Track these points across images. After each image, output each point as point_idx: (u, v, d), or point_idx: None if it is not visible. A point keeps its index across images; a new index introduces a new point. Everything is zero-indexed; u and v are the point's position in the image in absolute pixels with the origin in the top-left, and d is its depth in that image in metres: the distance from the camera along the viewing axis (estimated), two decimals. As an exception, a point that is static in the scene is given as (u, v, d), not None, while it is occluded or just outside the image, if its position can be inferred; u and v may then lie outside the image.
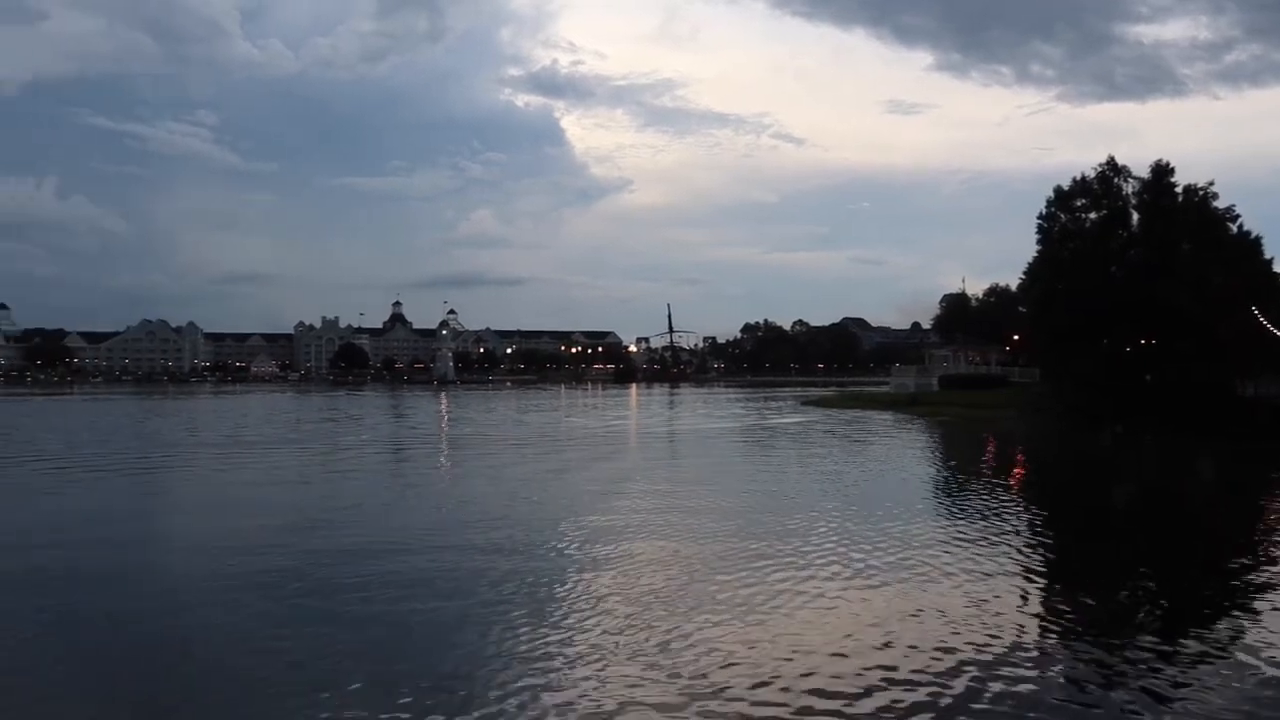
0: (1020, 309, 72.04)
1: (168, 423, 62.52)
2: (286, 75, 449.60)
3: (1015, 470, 32.98)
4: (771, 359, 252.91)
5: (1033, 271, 59.16)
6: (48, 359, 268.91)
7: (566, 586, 13.94)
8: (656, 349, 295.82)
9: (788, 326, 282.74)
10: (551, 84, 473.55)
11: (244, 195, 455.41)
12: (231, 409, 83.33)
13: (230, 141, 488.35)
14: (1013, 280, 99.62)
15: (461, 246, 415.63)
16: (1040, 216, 56.56)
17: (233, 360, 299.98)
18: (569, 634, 11.50)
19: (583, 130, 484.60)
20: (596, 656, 10.61)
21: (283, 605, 12.99)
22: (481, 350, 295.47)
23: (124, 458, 35.99)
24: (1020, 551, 16.66)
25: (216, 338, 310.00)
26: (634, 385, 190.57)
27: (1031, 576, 14.88)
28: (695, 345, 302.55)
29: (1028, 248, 58.38)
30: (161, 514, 23.46)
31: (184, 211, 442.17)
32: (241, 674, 10.27)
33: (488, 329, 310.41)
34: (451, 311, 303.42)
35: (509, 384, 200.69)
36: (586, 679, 9.88)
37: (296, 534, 18.50)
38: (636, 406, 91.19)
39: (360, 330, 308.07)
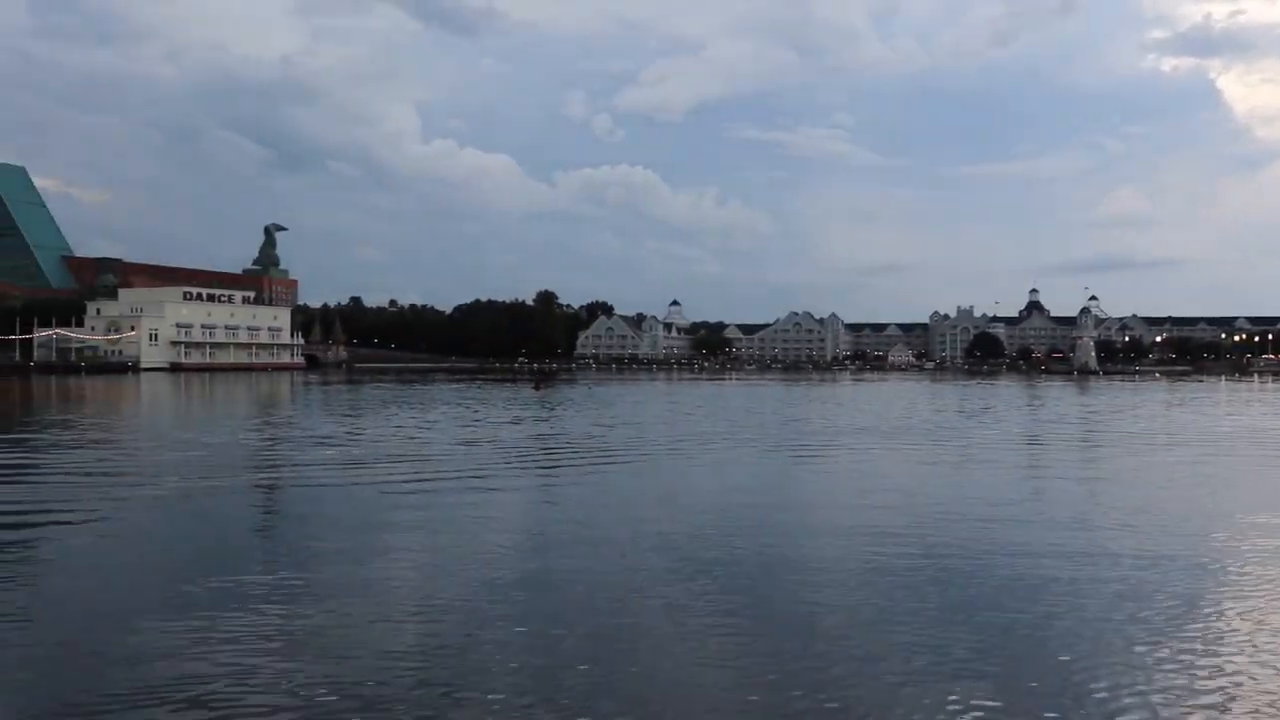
0: None
1: (820, 408, 66.61)
2: (917, 70, 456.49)
3: None
4: None
5: None
6: (711, 348, 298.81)
7: (1213, 608, 12.84)
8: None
9: None
10: (1205, 41, 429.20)
11: (880, 190, 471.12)
12: (871, 396, 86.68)
13: (867, 140, 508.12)
14: None
15: (1101, 228, 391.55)
16: None
17: (871, 349, 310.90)
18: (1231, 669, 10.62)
19: (1245, 89, 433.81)
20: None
21: (908, 592, 13.45)
22: (1126, 338, 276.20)
23: (782, 438, 39.33)
24: None
25: (855, 328, 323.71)
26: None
27: None
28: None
29: None
30: (810, 494, 25.23)
31: (825, 209, 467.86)
32: (861, 656, 10.87)
33: (1133, 316, 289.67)
34: (1093, 298, 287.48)
35: (1157, 375, 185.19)
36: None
37: (927, 528, 18.96)
38: (1317, 403, 79.57)
39: (995, 319, 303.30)
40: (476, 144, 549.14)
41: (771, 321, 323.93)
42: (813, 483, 27.57)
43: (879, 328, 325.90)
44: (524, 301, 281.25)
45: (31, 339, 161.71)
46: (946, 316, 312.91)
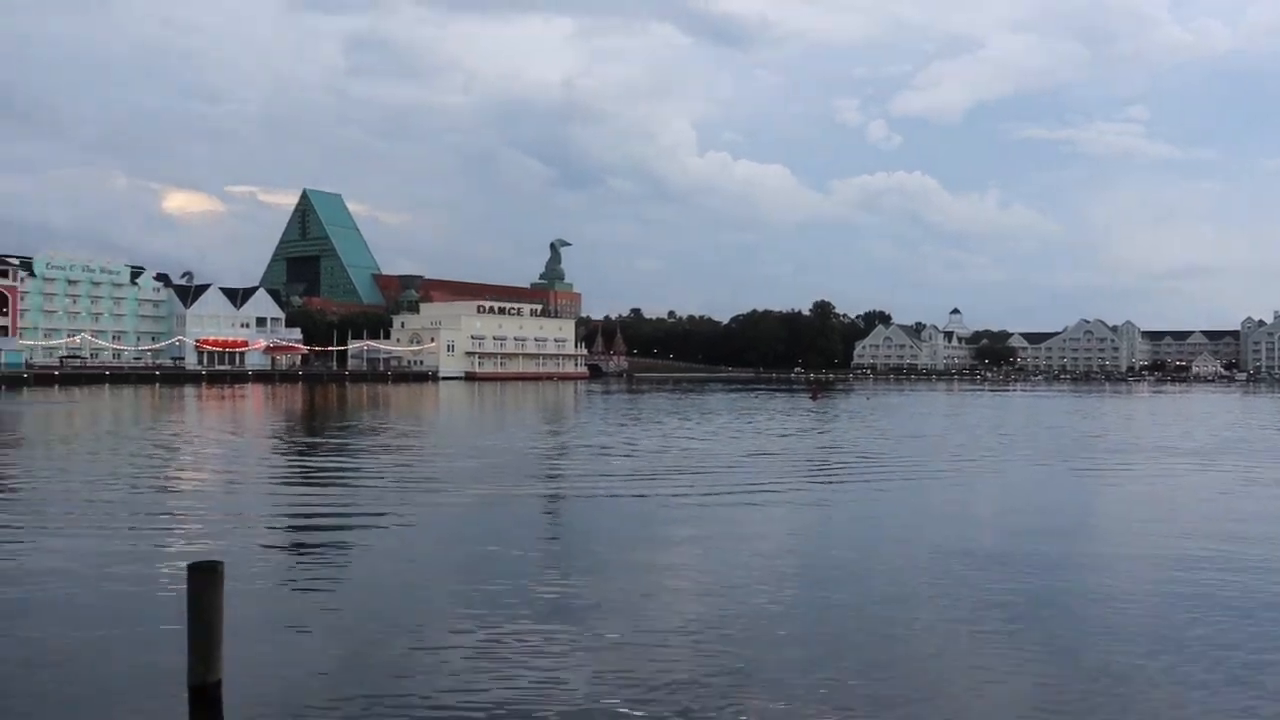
0: None
1: (1116, 422, 62.83)
2: (1222, 53, 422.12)
3: None
4: None
5: None
6: (994, 358, 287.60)
7: None
8: None
9: None
10: None
11: (1181, 186, 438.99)
12: (1173, 409, 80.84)
13: (1164, 132, 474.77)
14: None
15: None
16: None
17: (1171, 359, 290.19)
18: None
19: None
20: None
21: (1211, 628, 12.55)
22: None
23: (1075, 454, 37.42)
24: None
25: (1154, 336, 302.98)
26: None
27: None
28: None
29: None
30: (1105, 516, 23.87)
31: (1118, 209, 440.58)
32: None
33: None
34: None
35: None
36: None
37: (1238, 559, 17.60)
38: None
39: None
40: (751, 155, 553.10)
41: (1059, 330, 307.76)
42: (1109, 504, 26.14)
43: (1181, 335, 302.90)
44: (800, 311, 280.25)
45: (346, 350, 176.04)
46: (1261, 323, 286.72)
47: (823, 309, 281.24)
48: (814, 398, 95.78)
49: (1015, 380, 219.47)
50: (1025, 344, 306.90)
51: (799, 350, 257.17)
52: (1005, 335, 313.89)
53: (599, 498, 24.66)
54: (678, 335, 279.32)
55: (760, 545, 18.19)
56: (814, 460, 34.96)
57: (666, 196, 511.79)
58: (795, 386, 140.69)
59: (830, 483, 28.79)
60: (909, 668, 10.93)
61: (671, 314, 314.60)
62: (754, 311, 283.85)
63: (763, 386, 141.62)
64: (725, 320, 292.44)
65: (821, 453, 37.94)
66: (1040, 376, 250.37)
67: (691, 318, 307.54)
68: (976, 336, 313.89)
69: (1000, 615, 12.97)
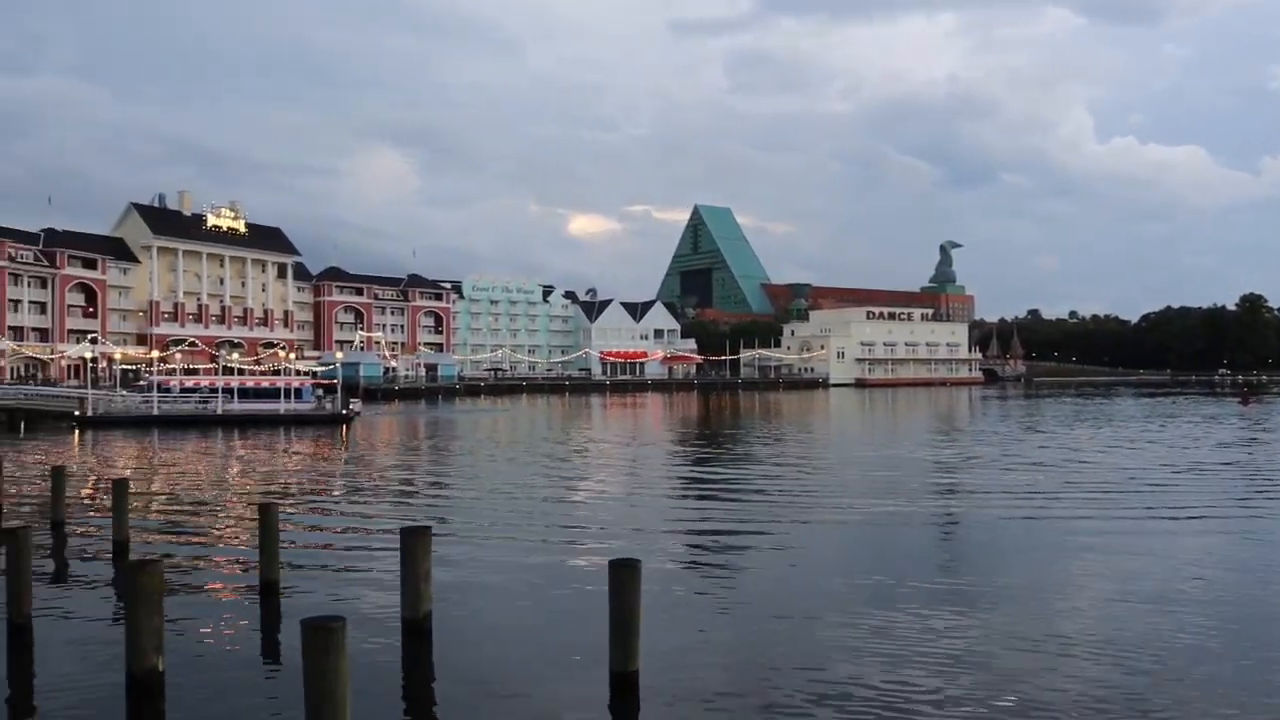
0: None
1: None
2: None
3: None
4: None
5: None
6: None
7: None
8: None
9: None
10: None
11: None
12: None
13: None
14: None
15: None
16: None
17: None
18: None
19: None
20: None
21: None
22: None
23: None
24: None
25: None
26: None
27: None
28: None
29: None
30: None
31: None
32: None
33: None
34: None
35: None
36: None
37: None
38: None
39: None
40: (1159, 138, 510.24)
41: None
42: None
43: None
44: (1224, 306, 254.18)
45: (738, 359, 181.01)
46: None
47: (1252, 303, 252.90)
48: (1244, 403, 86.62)
49: None
50: None
51: (1222, 350, 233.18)
52: None
53: (995, 517, 23.61)
54: (1080, 336, 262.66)
55: (1174, 574, 16.75)
56: (1249, 478, 31.45)
57: (1065, 189, 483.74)
58: (1219, 391, 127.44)
59: (1262, 502, 25.88)
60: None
61: (1073, 314, 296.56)
62: (1168, 308, 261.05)
63: (1179, 390, 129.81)
64: (1134, 319, 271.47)
65: (1254, 467, 34.26)
66: None
67: (1095, 317, 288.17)
68: None
69: None
